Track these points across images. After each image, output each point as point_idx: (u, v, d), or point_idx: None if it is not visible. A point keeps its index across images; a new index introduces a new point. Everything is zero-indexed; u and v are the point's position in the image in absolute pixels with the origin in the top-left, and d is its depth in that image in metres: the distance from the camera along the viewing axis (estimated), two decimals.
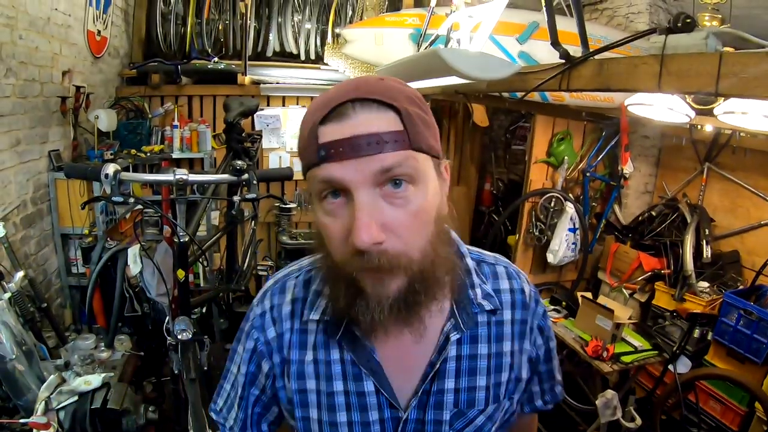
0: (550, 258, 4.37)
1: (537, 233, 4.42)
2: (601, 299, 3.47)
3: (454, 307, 0.88)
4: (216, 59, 4.62)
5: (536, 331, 0.97)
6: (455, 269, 0.87)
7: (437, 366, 0.86)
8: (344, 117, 0.71)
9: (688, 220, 3.84)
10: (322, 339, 0.89)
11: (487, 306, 0.90)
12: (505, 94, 3.44)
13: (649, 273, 3.89)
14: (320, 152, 0.71)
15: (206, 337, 2.32)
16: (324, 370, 0.88)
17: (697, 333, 3.38)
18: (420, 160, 0.73)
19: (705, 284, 3.59)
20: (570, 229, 4.28)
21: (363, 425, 0.87)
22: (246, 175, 2.26)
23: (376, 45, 3.37)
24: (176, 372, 2.30)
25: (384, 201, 0.71)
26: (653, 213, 4.22)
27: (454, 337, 0.86)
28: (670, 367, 3.20)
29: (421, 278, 0.76)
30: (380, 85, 0.73)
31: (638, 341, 3.23)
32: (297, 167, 4.21)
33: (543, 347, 1.00)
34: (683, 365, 3.32)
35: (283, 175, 2.70)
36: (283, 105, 4.96)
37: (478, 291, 0.90)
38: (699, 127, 3.81)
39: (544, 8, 2.03)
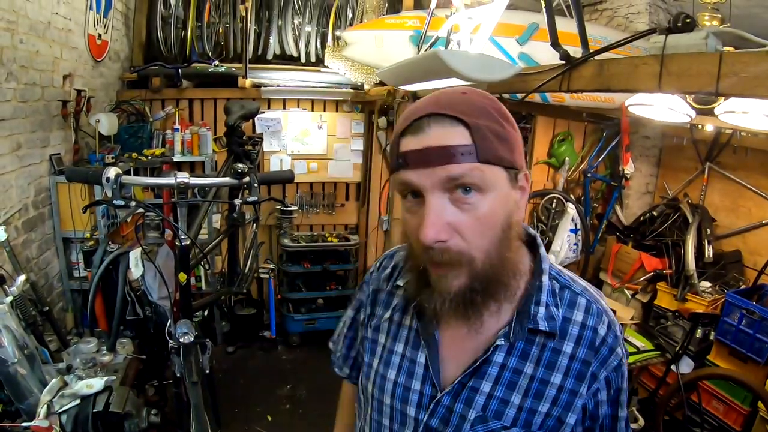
0: (552, 259, 4.36)
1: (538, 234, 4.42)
2: None
3: (515, 316, 0.91)
4: (216, 62, 4.62)
5: (601, 383, 0.91)
6: (522, 278, 0.92)
7: (478, 364, 0.91)
8: (420, 130, 0.81)
9: (690, 220, 3.84)
10: (402, 304, 1.02)
11: (543, 326, 0.90)
12: (506, 96, 3.43)
13: (651, 273, 3.89)
14: (399, 160, 0.84)
15: (208, 340, 2.32)
16: (395, 330, 1.03)
17: (699, 333, 3.37)
18: (488, 171, 0.80)
19: (707, 284, 3.59)
20: (571, 230, 4.28)
21: (405, 389, 0.97)
22: (247, 178, 2.26)
23: (376, 47, 3.37)
24: (178, 375, 2.30)
25: (452, 204, 0.81)
26: (655, 213, 4.22)
27: (498, 342, 0.90)
28: (673, 367, 3.19)
29: (482, 277, 0.84)
30: (457, 100, 0.83)
31: (641, 342, 3.23)
32: (298, 170, 4.22)
33: (608, 410, 0.94)
34: (686, 365, 3.32)
35: (284, 178, 2.70)
36: (284, 108, 4.96)
37: (541, 309, 0.91)
38: (700, 126, 3.81)
39: (544, 9, 2.04)
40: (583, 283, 0.97)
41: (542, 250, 0.96)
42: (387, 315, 1.05)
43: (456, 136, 0.79)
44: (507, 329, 0.90)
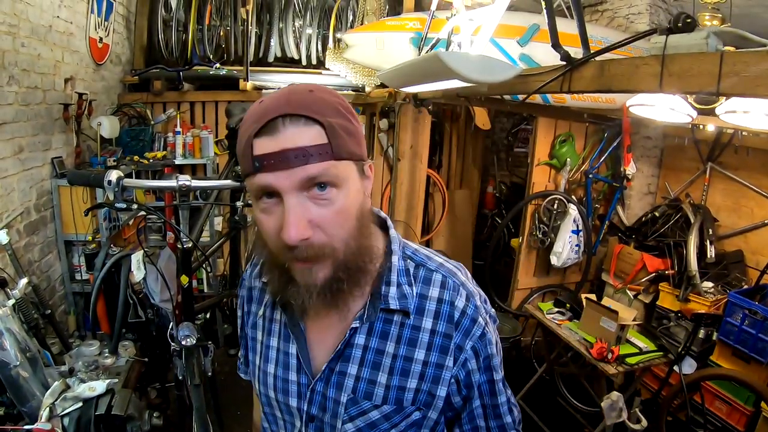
0: (554, 260, 4.37)
1: (540, 235, 4.42)
2: (606, 301, 3.46)
3: (369, 298, 0.93)
4: (218, 65, 4.63)
5: (468, 353, 0.93)
6: (378, 260, 0.94)
7: (340, 348, 0.93)
8: (275, 131, 0.80)
9: (692, 221, 3.84)
10: (271, 300, 1.03)
11: (394, 305, 0.92)
12: (507, 97, 3.44)
13: (653, 274, 3.88)
14: (255, 163, 0.81)
15: (210, 342, 2.33)
16: (267, 325, 1.06)
17: (702, 333, 3.37)
18: (342, 167, 0.82)
19: (709, 284, 3.58)
20: (573, 231, 4.28)
21: (283, 381, 1.00)
22: None
23: (377, 49, 3.37)
24: (180, 378, 2.30)
25: (311, 201, 0.82)
26: (656, 214, 4.21)
27: (355, 324, 0.92)
28: (676, 368, 3.18)
29: (344, 267, 0.86)
30: (309, 99, 0.82)
31: (643, 342, 3.22)
32: None
33: (481, 376, 0.96)
34: (688, 366, 3.31)
35: None
36: None
37: (392, 289, 0.93)
38: (701, 126, 3.81)
39: (544, 10, 2.04)
40: (440, 259, 1.00)
41: (392, 231, 0.99)
42: (260, 312, 1.08)
43: (312, 136, 0.80)
44: (362, 311, 0.93)
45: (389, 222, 1.01)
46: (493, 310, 1.01)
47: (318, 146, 0.80)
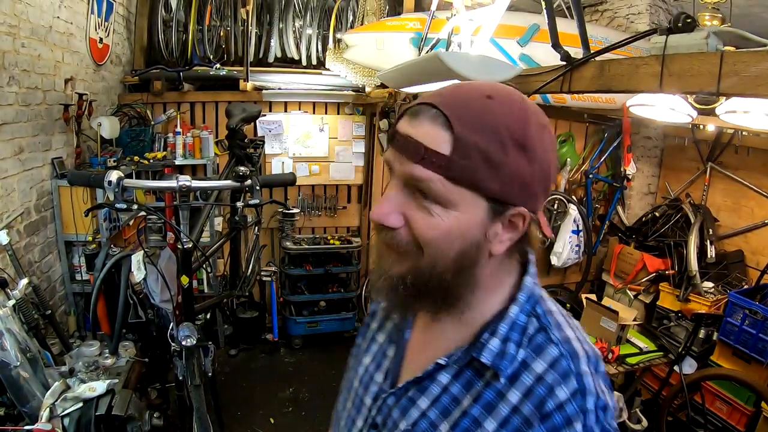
0: (554, 260, 4.37)
1: (540, 235, 4.42)
2: (606, 301, 3.46)
3: (470, 342, 0.82)
4: (218, 66, 4.63)
5: None
6: (495, 300, 0.83)
7: (422, 377, 0.85)
8: (414, 116, 0.76)
9: (692, 221, 3.84)
10: None
11: (485, 360, 0.78)
12: None
13: (654, 274, 3.88)
14: (390, 135, 0.80)
15: (210, 343, 2.33)
16: (382, 321, 1.03)
17: (702, 333, 3.37)
18: (455, 192, 0.73)
19: (709, 284, 3.58)
20: (573, 231, 4.28)
21: (370, 377, 0.96)
22: (249, 181, 2.26)
23: (377, 49, 3.37)
24: (181, 378, 2.30)
25: (414, 200, 0.76)
26: (657, 214, 4.22)
27: (440, 361, 0.83)
28: (676, 368, 3.18)
29: (421, 279, 0.78)
30: (470, 102, 0.74)
31: (643, 342, 3.22)
32: (299, 173, 4.21)
33: None
34: (689, 366, 3.31)
35: (286, 181, 2.70)
36: (286, 111, 4.97)
37: (495, 341, 0.79)
38: (701, 126, 3.81)
39: (544, 10, 2.04)
40: (574, 334, 0.80)
41: (528, 279, 0.83)
42: (383, 304, 1.03)
43: (438, 139, 0.72)
44: (456, 355, 0.82)
45: (532, 267, 0.85)
46: (615, 427, 0.76)
47: (435, 153, 0.72)
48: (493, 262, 0.80)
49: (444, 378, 0.83)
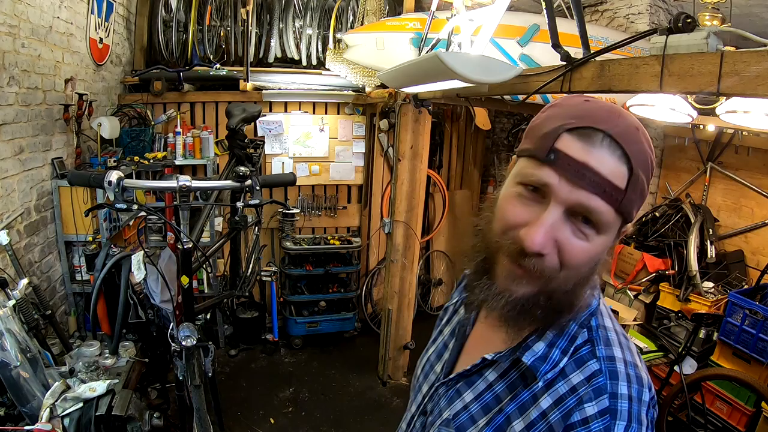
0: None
1: None
2: (606, 301, 3.45)
3: (519, 341, 0.84)
4: (218, 66, 4.63)
5: None
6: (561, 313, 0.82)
7: (471, 371, 0.89)
8: (591, 142, 0.74)
9: (692, 221, 3.84)
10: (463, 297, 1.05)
11: (527, 359, 0.81)
12: (507, 97, 3.44)
13: (654, 274, 3.88)
14: (550, 154, 0.75)
15: (210, 343, 2.32)
16: (451, 315, 1.09)
17: (702, 333, 3.37)
18: (613, 218, 0.75)
19: (710, 284, 3.58)
20: None
21: (430, 367, 1.04)
22: (249, 181, 2.26)
23: (377, 49, 3.37)
24: (181, 378, 2.30)
25: (568, 224, 0.75)
26: (657, 214, 4.21)
27: (487, 356, 0.87)
28: (676, 368, 3.18)
29: (547, 297, 0.78)
30: (636, 139, 0.75)
31: (644, 342, 3.22)
32: (300, 173, 4.21)
33: None
34: (689, 366, 3.31)
35: (286, 181, 2.70)
36: (286, 111, 4.97)
37: (540, 345, 0.81)
38: (701, 126, 3.81)
39: (544, 10, 2.04)
40: (622, 354, 0.80)
41: (594, 300, 0.85)
42: (455, 300, 1.10)
43: (617, 174, 0.73)
44: (507, 352, 0.85)
45: (596, 277, 0.85)
46: None
47: (614, 187, 0.73)
48: (589, 285, 0.82)
49: (491, 375, 0.86)
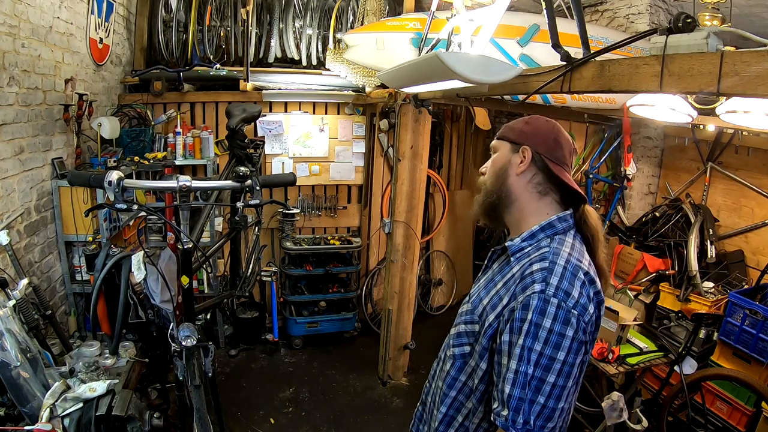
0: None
1: None
2: (606, 301, 3.45)
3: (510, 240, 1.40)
4: (218, 66, 4.63)
5: (517, 301, 1.20)
6: (532, 220, 1.37)
7: (486, 263, 1.52)
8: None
9: (692, 221, 3.84)
10: None
11: (508, 246, 1.37)
12: (507, 97, 3.44)
13: (654, 274, 3.88)
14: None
15: (210, 343, 2.32)
16: (488, 264, 1.53)
17: (702, 333, 3.37)
18: (497, 143, 1.48)
19: (710, 284, 3.58)
20: None
21: (477, 291, 1.44)
22: (249, 182, 2.26)
23: (377, 49, 3.37)
24: (181, 378, 2.30)
25: (491, 155, 1.50)
26: (657, 214, 4.21)
27: (493, 249, 1.50)
28: (676, 368, 3.18)
29: (487, 193, 1.44)
30: (515, 125, 1.48)
31: (644, 342, 3.22)
32: (300, 173, 4.20)
33: (507, 325, 1.20)
34: (689, 366, 3.31)
35: (286, 181, 2.70)
36: (286, 111, 4.97)
37: (517, 240, 1.36)
38: (701, 126, 3.81)
39: (544, 10, 2.04)
40: (567, 251, 1.26)
41: (553, 217, 1.35)
42: (486, 261, 1.55)
43: (503, 131, 1.49)
44: (503, 246, 1.43)
45: (564, 213, 1.36)
46: (577, 317, 1.15)
47: (501, 134, 1.49)
48: (522, 182, 1.39)
49: (494, 265, 1.45)
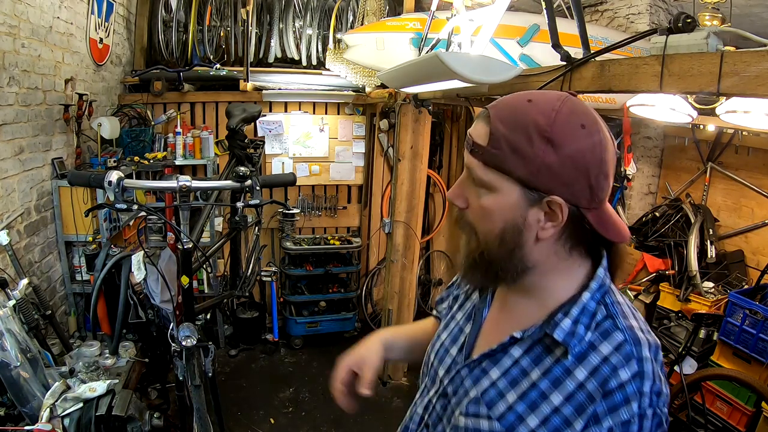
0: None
1: None
2: None
3: (545, 318, 0.92)
4: (218, 66, 4.63)
5: (602, 430, 0.81)
6: (563, 284, 0.93)
7: (495, 349, 0.96)
8: (476, 119, 0.93)
9: (692, 221, 3.83)
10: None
11: (558, 336, 0.87)
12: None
13: (654, 274, 3.88)
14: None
15: (211, 343, 2.32)
16: (463, 301, 1.18)
17: (702, 333, 3.36)
18: (490, 175, 0.88)
19: (710, 284, 3.58)
20: None
21: (445, 351, 1.09)
22: (249, 182, 2.26)
23: (377, 50, 3.37)
24: (181, 378, 2.30)
25: (473, 186, 0.92)
26: (657, 214, 4.21)
27: (515, 334, 0.93)
28: (676, 368, 3.18)
29: (482, 251, 0.94)
30: (509, 103, 0.90)
31: None
32: (300, 173, 4.21)
33: None
34: (689, 366, 3.31)
35: (286, 181, 2.70)
36: (286, 111, 4.97)
37: (567, 321, 0.87)
38: (701, 126, 3.81)
39: (544, 10, 2.04)
40: (637, 323, 0.89)
41: (601, 270, 0.92)
42: (465, 288, 1.19)
43: (481, 134, 0.89)
44: (530, 330, 0.92)
45: (605, 261, 0.93)
46: (665, 413, 0.86)
47: (477, 144, 0.89)
48: (546, 248, 0.91)
49: (516, 352, 0.93)
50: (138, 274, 2.47)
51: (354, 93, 4.89)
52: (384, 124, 4.90)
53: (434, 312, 1.39)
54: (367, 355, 1.24)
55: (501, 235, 0.90)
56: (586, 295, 0.89)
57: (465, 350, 1.03)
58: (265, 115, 4.77)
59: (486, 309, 1.06)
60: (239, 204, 2.37)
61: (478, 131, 0.90)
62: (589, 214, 0.87)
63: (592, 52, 1.89)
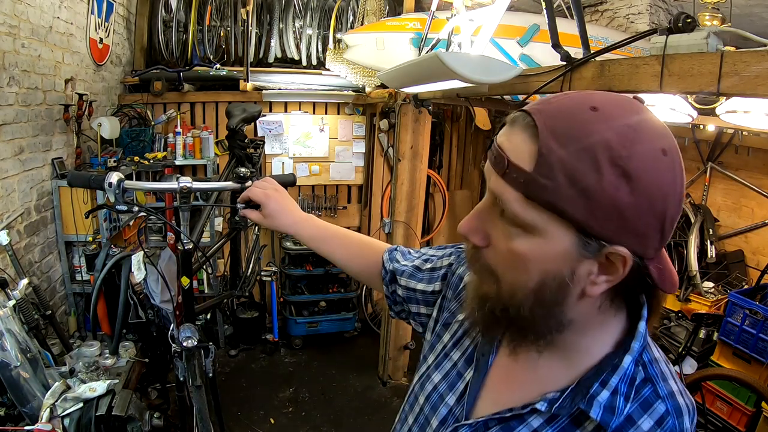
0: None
1: None
2: None
3: (573, 385, 0.73)
4: (218, 66, 4.63)
5: None
6: (596, 344, 0.74)
7: (510, 416, 0.76)
8: (510, 125, 0.68)
9: (692, 221, 3.84)
10: None
11: (594, 414, 0.69)
12: (507, 97, 3.43)
13: None
14: (489, 145, 0.70)
15: (211, 343, 2.32)
16: (460, 335, 0.92)
17: (702, 333, 3.37)
18: (533, 214, 0.64)
19: (710, 284, 3.58)
20: None
21: (440, 397, 0.88)
22: (249, 182, 2.26)
23: (377, 50, 3.37)
24: (181, 378, 2.30)
25: (499, 217, 0.69)
26: None
27: (539, 406, 0.73)
28: (676, 368, 3.18)
29: (500, 305, 0.72)
30: (564, 113, 0.64)
31: None
32: (300, 173, 4.21)
33: None
34: (689, 366, 3.31)
35: (287, 181, 2.68)
36: (286, 111, 4.97)
37: (605, 394, 0.70)
38: (701, 126, 3.81)
39: (544, 10, 2.04)
40: (676, 387, 0.73)
41: (642, 325, 0.73)
42: (460, 317, 0.94)
43: (523, 153, 0.63)
44: (558, 395, 0.73)
45: (645, 311, 0.74)
46: None
47: (517, 168, 0.63)
48: (589, 304, 0.70)
49: (535, 422, 0.74)
50: (138, 274, 2.46)
51: (354, 93, 4.89)
52: (384, 124, 4.90)
53: (390, 266, 1.18)
54: (278, 189, 1.25)
55: (538, 291, 0.68)
56: (627, 360, 0.71)
57: (466, 404, 0.83)
58: (265, 115, 4.77)
59: (493, 354, 0.85)
60: (239, 204, 2.37)
61: (517, 146, 0.64)
62: (651, 264, 0.67)
63: (592, 52, 1.89)
